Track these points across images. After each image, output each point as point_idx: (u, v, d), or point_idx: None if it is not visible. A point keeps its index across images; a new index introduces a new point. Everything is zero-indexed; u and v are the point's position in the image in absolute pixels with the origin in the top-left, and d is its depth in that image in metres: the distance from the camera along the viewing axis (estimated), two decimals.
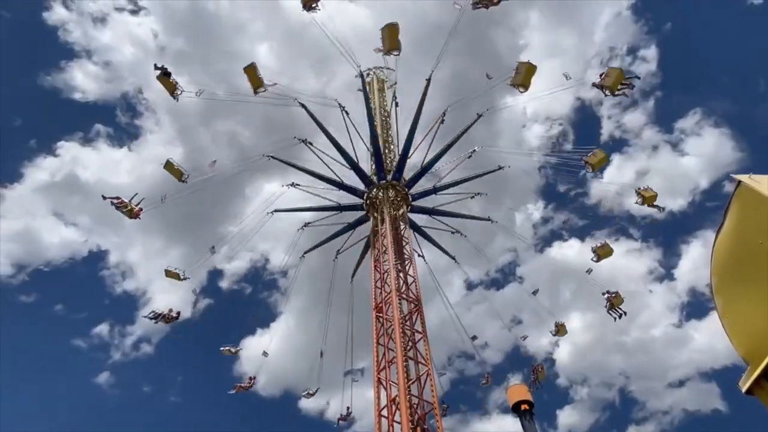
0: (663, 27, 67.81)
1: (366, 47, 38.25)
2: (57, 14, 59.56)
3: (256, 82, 27.08)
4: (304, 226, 33.44)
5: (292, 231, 33.63)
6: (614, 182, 29.17)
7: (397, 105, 32.80)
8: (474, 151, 32.40)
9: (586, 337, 58.93)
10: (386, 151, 34.15)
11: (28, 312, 60.73)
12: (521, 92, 26.79)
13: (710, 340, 57.32)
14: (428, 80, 30.62)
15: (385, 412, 23.36)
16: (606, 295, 29.74)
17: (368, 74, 40.03)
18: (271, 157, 31.35)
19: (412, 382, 24.67)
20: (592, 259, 30.83)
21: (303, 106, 30.50)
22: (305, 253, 33.93)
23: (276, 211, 32.51)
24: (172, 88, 25.49)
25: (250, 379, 30.32)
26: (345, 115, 31.01)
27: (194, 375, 65.54)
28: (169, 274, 28.44)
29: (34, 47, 64.12)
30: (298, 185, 32.42)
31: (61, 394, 61.51)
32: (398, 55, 27.90)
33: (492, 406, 54.00)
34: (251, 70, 26.85)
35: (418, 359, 25.54)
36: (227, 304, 60.19)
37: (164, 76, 25.22)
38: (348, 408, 31.05)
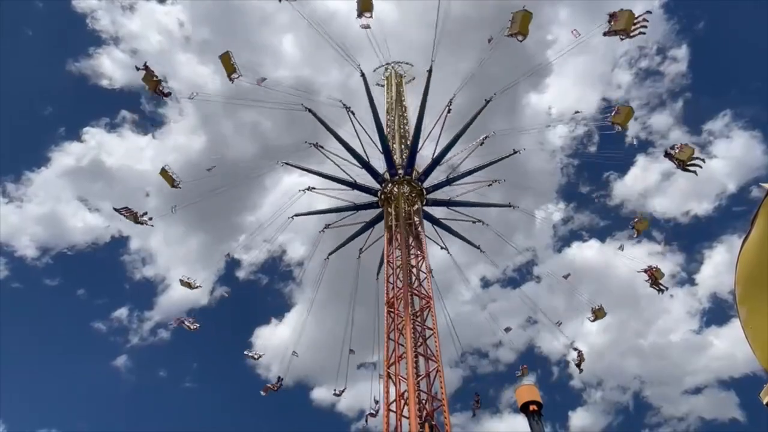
0: (695, 27, 65.77)
1: (391, 41, 38.34)
2: (86, 2, 60.86)
3: (230, 68, 28.13)
4: (325, 228, 34.28)
5: (308, 224, 34.53)
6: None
7: (401, 101, 32.25)
8: (487, 137, 31.35)
9: (603, 340, 57.67)
10: (403, 147, 34.06)
11: (51, 294, 63.72)
12: (520, 41, 25.59)
13: (730, 347, 55.61)
14: (429, 71, 30.22)
15: (394, 407, 23.56)
16: (647, 271, 28.94)
17: (387, 69, 40.16)
18: (286, 163, 32.55)
19: (421, 378, 24.58)
20: (631, 236, 30.81)
21: (309, 110, 31.24)
22: (330, 254, 34.71)
23: (296, 215, 33.64)
24: (155, 86, 26.53)
25: (279, 379, 31.62)
26: (351, 115, 31.32)
27: (209, 362, 66.82)
28: (183, 283, 30.60)
29: (64, 34, 65.80)
30: (314, 188, 33.27)
31: (81, 375, 63.74)
32: (371, 17, 27.85)
33: (504, 405, 52.94)
34: (226, 58, 28.03)
35: (428, 355, 25.36)
36: (243, 294, 61.58)
37: (148, 75, 26.24)
38: (376, 401, 31.28)
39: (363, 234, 33.78)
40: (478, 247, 33.60)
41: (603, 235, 60.18)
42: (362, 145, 31.58)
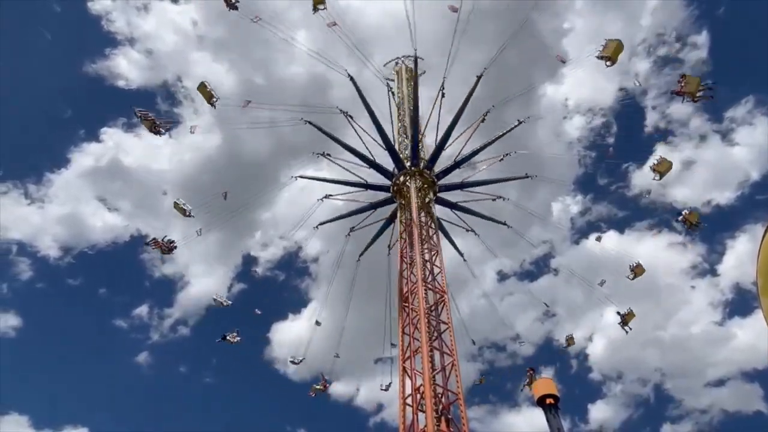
0: (716, 12, 63.48)
1: (399, 35, 37.68)
2: (101, 3, 61.15)
3: (207, 96, 28.21)
4: (324, 197, 32.89)
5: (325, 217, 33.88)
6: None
7: (443, 96, 31.55)
8: (507, 154, 32.71)
9: (622, 332, 59.15)
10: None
11: (74, 293, 64.47)
12: (608, 66, 26.56)
13: (754, 339, 53.47)
14: (479, 77, 30.51)
15: (410, 401, 23.19)
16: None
17: (397, 63, 39.72)
18: (308, 122, 30.52)
19: (437, 372, 24.59)
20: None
21: (310, 123, 30.52)
22: (319, 224, 33.89)
23: (300, 177, 32.19)
24: (151, 126, 27.71)
25: (323, 377, 31.80)
26: (391, 95, 30.58)
27: (228, 358, 69.66)
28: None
29: (81, 36, 66.71)
30: (331, 195, 32.79)
31: (103, 372, 63.88)
32: (324, 8, 29.15)
33: (522, 399, 53.73)
34: (202, 88, 28.21)
35: (443, 349, 25.48)
36: (261, 290, 62.60)
37: (146, 121, 27.25)
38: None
39: (363, 213, 32.96)
40: (462, 255, 34.58)
41: (621, 226, 59.15)
42: (382, 140, 30.85)
